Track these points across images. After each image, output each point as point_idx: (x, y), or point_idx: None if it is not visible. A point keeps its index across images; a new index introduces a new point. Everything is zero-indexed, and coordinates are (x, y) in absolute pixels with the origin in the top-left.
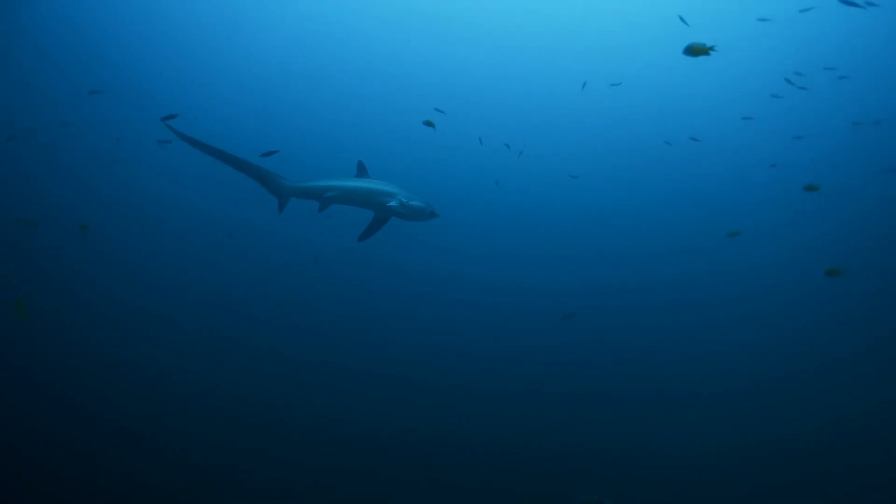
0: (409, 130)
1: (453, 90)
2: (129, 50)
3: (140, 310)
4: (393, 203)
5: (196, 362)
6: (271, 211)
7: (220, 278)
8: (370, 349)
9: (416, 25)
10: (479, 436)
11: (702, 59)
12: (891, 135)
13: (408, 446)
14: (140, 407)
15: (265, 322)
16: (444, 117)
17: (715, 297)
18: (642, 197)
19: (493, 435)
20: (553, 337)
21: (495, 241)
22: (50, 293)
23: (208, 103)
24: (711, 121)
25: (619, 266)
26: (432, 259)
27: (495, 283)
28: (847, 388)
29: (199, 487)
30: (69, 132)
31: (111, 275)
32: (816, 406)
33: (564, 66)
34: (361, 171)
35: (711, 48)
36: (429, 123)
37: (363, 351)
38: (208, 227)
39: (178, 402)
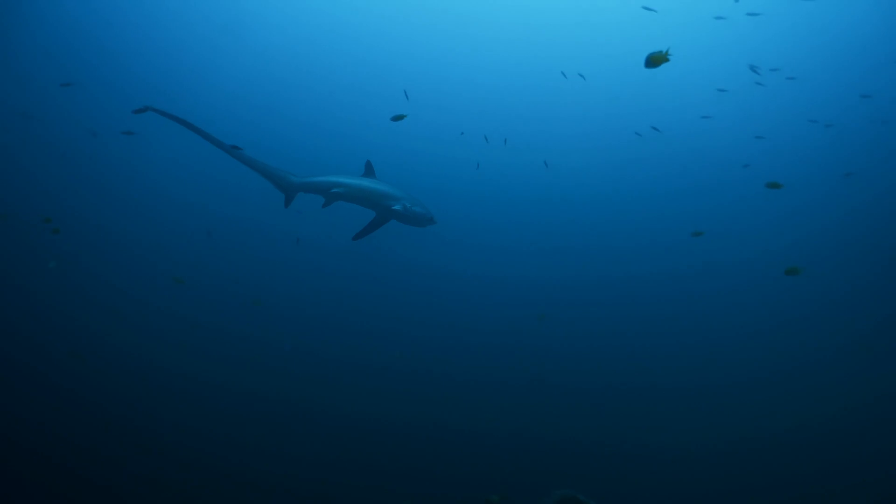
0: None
1: (438, 85)
2: (107, 41)
3: (140, 305)
4: (397, 207)
5: (193, 356)
6: (258, 205)
7: (211, 273)
8: (357, 340)
9: (407, 21)
10: (456, 427)
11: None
12: (845, 137)
13: (394, 437)
14: (146, 403)
15: (256, 316)
16: (435, 114)
17: (689, 294)
18: (613, 190)
19: (471, 426)
20: (530, 330)
21: (476, 232)
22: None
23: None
24: (676, 117)
25: (596, 259)
26: (417, 247)
27: (472, 274)
28: (818, 387)
29: (204, 482)
30: (38, 126)
31: (97, 269)
32: (789, 405)
33: (543, 63)
34: (369, 171)
35: (667, 53)
36: (398, 117)
37: (351, 342)
38: (213, 225)
39: (180, 398)
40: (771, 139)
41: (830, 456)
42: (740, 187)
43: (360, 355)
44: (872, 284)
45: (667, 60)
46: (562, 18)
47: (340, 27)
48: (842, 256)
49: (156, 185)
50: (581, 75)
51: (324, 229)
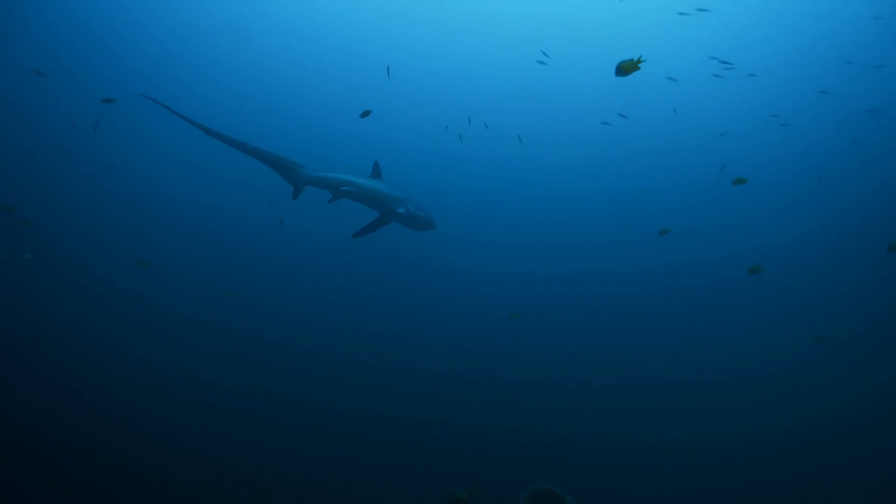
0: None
1: (425, 78)
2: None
3: (138, 302)
4: (401, 210)
5: (191, 353)
6: (251, 197)
7: (204, 267)
8: (348, 336)
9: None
10: (439, 422)
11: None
12: (803, 133)
13: (378, 433)
14: (145, 401)
15: (254, 313)
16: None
17: (681, 292)
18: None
19: (455, 422)
20: (515, 326)
21: (459, 225)
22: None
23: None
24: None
25: (588, 255)
26: (401, 240)
27: (456, 268)
28: (814, 386)
29: (203, 480)
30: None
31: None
32: (770, 405)
33: (510, 56)
34: (376, 171)
35: (639, 60)
36: (365, 113)
37: (343, 338)
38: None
39: (179, 396)
40: (733, 135)
41: (827, 455)
42: (716, 187)
43: (349, 351)
44: (864, 283)
45: (638, 69)
46: (526, 9)
47: (334, 21)
48: (830, 252)
49: (155, 182)
50: (544, 52)
51: (311, 221)
